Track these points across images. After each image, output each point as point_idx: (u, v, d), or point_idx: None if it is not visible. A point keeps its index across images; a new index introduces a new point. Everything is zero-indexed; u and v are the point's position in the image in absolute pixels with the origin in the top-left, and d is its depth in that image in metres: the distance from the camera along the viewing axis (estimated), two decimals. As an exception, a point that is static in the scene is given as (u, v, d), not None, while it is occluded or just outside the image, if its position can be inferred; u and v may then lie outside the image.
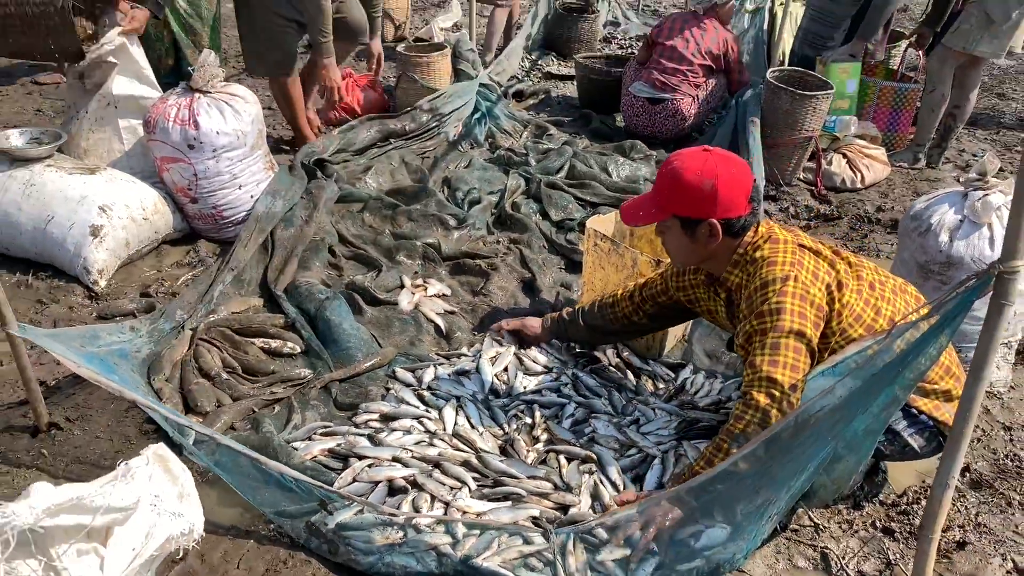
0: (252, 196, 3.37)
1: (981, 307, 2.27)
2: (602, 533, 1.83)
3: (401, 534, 1.87)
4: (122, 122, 3.42)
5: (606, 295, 2.54)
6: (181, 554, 1.17)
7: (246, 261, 3.08)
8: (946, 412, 2.05)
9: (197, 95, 3.18)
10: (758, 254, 2.03)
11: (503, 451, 2.20)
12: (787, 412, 1.79)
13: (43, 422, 2.28)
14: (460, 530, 1.87)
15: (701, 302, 2.26)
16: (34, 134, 3.29)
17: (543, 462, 2.18)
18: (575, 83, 5.51)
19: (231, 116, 3.20)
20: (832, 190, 4.27)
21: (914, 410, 2.04)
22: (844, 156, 4.36)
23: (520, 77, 5.83)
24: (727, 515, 1.81)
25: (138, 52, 3.42)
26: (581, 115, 5.07)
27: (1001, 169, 2.64)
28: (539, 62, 6.17)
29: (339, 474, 2.07)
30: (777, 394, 1.85)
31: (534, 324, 2.66)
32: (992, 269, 1.32)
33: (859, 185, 4.30)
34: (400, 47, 4.84)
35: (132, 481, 1.09)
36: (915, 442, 2.06)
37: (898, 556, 2.02)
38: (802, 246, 2.05)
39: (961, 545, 2.07)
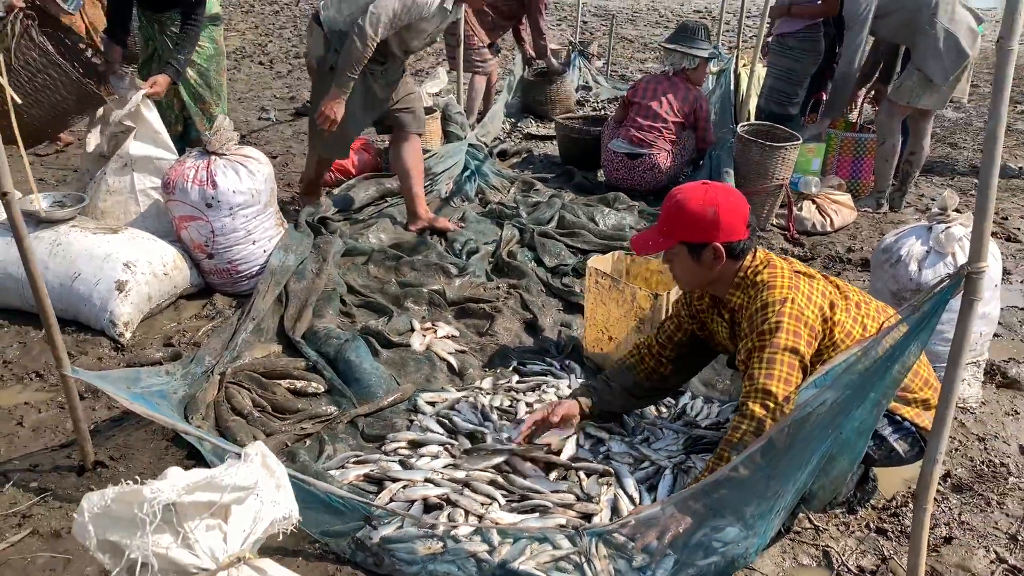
0: (265, 251, 3.56)
1: (949, 328, 2.56)
2: (622, 539, 2.01)
3: (441, 544, 2.04)
4: (138, 184, 3.62)
5: (626, 356, 2.63)
6: (280, 538, 1.33)
7: (264, 311, 3.25)
8: (926, 420, 2.27)
9: (214, 157, 3.39)
10: (758, 278, 2.26)
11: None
12: (780, 421, 1.99)
13: (89, 461, 2.42)
14: (495, 538, 2.04)
15: (707, 325, 2.47)
16: (57, 197, 3.47)
17: (564, 479, 2.35)
18: (555, 142, 5.81)
19: (246, 176, 3.41)
20: (804, 234, 4.56)
21: (898, 417, 2.26)
22: (814, 203, 4.66)
23: (503, 138, 6.12)
24: (737, 515, 2.00)
25: (154, 116, 3.64)
26: (564, 171, 5.35)
27: (957, 210, 2.92)
28: (519, 124, 6.48)
29: (376, 496, 2.24)
30: (772, 405, 2.06)
31: (572, 411, 2.53)
32: (962, 270, 1.55)
33: (829, 229, 4.59)
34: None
35: (250, 465, 1.26)
36: (900, 447, 2.27)
37: (892, 552, 2.21)
38: (797, 272, 2.28)
39: (948, 540, 2.27)
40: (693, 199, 2.26)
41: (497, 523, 2.10)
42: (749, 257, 2.31)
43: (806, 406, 1.84)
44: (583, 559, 1.98)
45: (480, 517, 2.14)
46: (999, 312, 3.04)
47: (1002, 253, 4.24)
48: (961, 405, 2.92)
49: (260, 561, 1.25)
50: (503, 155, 5.76)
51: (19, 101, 3.09)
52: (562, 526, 2.09)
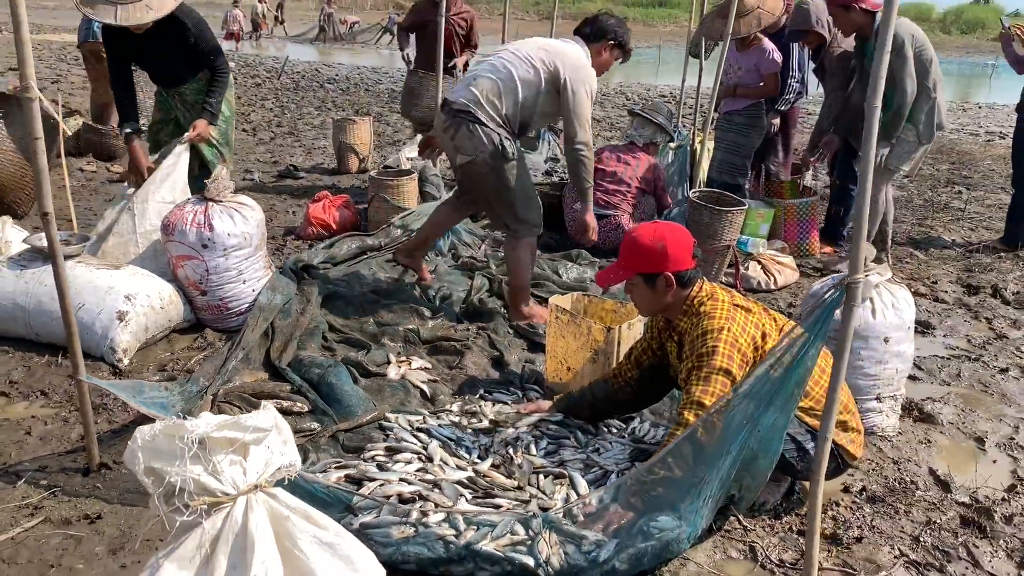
0: (254, 290, 3.87)
1: (869, 364, 2.95)
2: (571, 527, 2.31)
3: (413, 530, 2.31)
4: (140, 228, 3.94)
5: (607, 372, 3.06)
6: (286, 482, 1.62)
7: (253, 343, 3.55)
8: (843, 438, 2.62)
9: (211, 203, 3.73)
10: (702, 308, 2.62)
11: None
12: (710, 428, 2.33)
13: (95, 462, 2.68)
14: (461, 524, 2.32)
15: (664, 346, 2.82)
16: (63, 236, 3.77)
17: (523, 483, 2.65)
18: (524, 206, 6.21)
19: (240, 221, 3.74)
20: (750, 291, 4.95)
21: (818, 433, 2.60)
22: (759, 263, 5.07)
23: (475, 201, 6.52)
24: (672, 507, 2.31)
25: (185, 160, 4.01)
26: (531, 231, 5.73)
27: (875, 261, 3.32)
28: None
29: (356, 492, 2.51)
30: (703, 414, 2.39)
31: (545, 405, 3.10)
32: (843, 282, 1.91)
33: (772, 287, 4.99)
34: (372, 172, 5.50)
35: (268, 412, 1.56)
36: None
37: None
38: (736, 305, 2.64)
39: (859, 539, 2.58)
40: (645, 235, 2.64)
41: (463, 512, 2.39)
42: (697, 287, 2.68)
43: (727, 401, 2.18)
44: (535, 542, 2.27)
45: (448, 512, 2.42)
46: (913, 352, 3.40)
47: (928, 311, 4.69)
48: (880, 433, 3.27)
49: (273, 489, 1.54)
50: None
51: (69, 133, 3.46)
52: (519, 514, 2.39)
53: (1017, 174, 6.13)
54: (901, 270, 5.57)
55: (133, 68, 4.34)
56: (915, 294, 4.99)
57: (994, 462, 3.16)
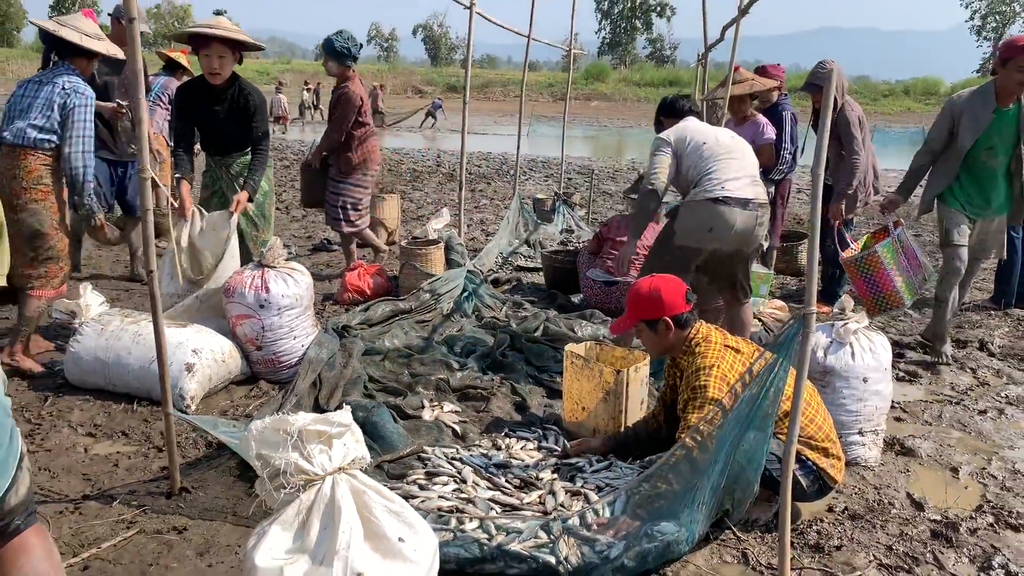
0: (303, 345, 4.35)
1: (851, 402, 3.35)
2: (585, 531, 2.72)
3: (452, 535, 2.73)
4: (200, 293, 4.45)
5: (645, 414, 3.55)
6: (362, 466, 2.05)
7: (303, 391, 4.01)
8: (825, 463, 3.03)
9: (266, 269, 4.23)
10: (697, 349, 3.08)
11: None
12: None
13: (176, 487, 3.11)
14: (493, 530, 2.74)
15: (676, 382, 3.25)
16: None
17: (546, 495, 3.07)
18: (541, 273, 6.71)
19: (292, 284, 4.24)
20: (752, 346, 5.37)
21: (803, 457, 3.00)
22: (760, 320, 5.51)
23: (495, 269, 7.03)
24: (672, 515, 2.72)
25: (235, 243, 4.56)
26: (548, 295, 6.21)
27: (853, 310, 3.76)
28: (509, 259, 7.42)
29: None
30: (699, 438, 2.82)
31: (595, 444, 3.48)
32: (799, 312, 2.35)
33: (771, 339, 5.41)
34: (403, 243, 6.03)
35: (346, 412, 2.00)
36: (804, 481, 3.00)
37: (795, 556, 2.90)
38: (727, 346, 3.09)
39: (838, 548, 2.96)
40: (643, 287, 3.12)
41: (494, 519, 2.80)
42: (694, 329, 3.14)
43: (718, 422, 2.61)
44: (556, 544, 2.67)
45: (481, 520, 2.84)
46: (891, 391, 3.80)
47: (916, 362, 5.08)
48: (863, 464, 3.65)
49: (353, 470, 1.98)
50: (496, 283, 6.64)
51: (176, 205, 4.09)
52: (542, 520, 2.80)
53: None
54: (895, 327, 5.98)
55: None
56: (907, 347, 5.42)
57: (966, 488, 3.53)
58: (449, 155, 19.72)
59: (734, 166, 4.26)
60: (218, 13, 5.91)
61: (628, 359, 3.79)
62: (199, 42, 4.61)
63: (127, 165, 5.88)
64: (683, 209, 4.30)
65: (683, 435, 2.86)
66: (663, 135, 4.40)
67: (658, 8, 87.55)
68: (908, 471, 3.66)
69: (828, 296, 6.35)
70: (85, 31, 4.28)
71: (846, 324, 3.71)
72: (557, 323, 5.27)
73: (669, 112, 4.65)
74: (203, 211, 4.67)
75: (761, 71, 7.19)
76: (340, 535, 1.83)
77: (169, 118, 7.05)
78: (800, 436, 2.98)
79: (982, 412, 4.38)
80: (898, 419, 4.26)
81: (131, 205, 5.99)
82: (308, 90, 32.43)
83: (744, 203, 4.16)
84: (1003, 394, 4.67)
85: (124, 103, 5.50)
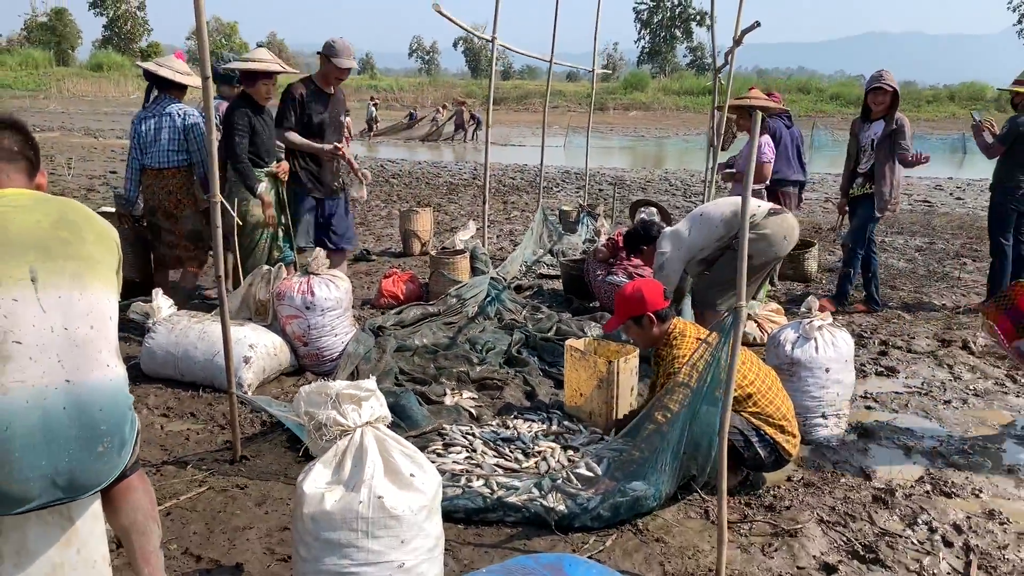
0: (342, 342, 5.00)
1: (815, 388, 3.87)
2: (570, 488, 3.32)
3: (461, 490, 3.34)
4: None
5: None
6: (385, 423, 2.67)
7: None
8: (780, 438, 3.59)
9: (311, 276, 4.90)
10: (675, 343, 3.66)
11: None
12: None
13: (237, 455, 3.77)
14: (495, 485, 3.35)
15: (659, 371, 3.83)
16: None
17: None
18: (560, 280, 7.32)
19: (333, 288, 4.91)
20: (747, 344, 5.90)
21: (762, 431, 3.57)
22: (756, 322, 6.04)
23: (519, 276, 7.65)
24: (643, 475, 3.31)
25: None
26: (565, 299, 6.81)
27: (819, 310, 4.30)
28: (532, 267, 8.03)
29: (422, 471, 3.55)
30: (669, 415, 3.40)
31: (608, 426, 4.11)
32: (733, 308, 2.92)
33: (765, 340, 5.94)
34: (432, 252, 6.69)
35: (371, 381, 2.63)
36: (762, 452, 3.57)
37: (751, 512, 3.46)
38: (698, 338, 3.66)
39: (788, 507, 3.51)
40: (626, 289, 3.72)
41: (495, 477, 3.42)
42: (672, 324, 3.72)
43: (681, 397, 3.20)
44: (545, 497, 3.28)
45: (486, 478, 3.45)
46: (852, 380, 4.33)
47: (899, 359, 5.59)
48: (826, 443, 4.19)
49: (377, 424, 2.59)
50: (518, 289, 7.26)
51: (241, 223, 4.83)
52: (535, 478, 3.40)
53: (993, 245, 7.03)
54: (886, 328, 6.48)
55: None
56: (892, 347, 5.92)
57: (913, 463, 4.06)
58: (517, 169, 20.40)
59: (752, 200, 4.87)
60: (260, 46, 6.60)
61: (620, 352, 4.37)
62: (257, 75, 5.38)
63: (334, 201, 6.22)
64: (754, 237, 4.78)
65: (658, 414, 3.43)
66: (664, 247, 5.23)
67: (698, 17, 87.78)
68: (865, 450, 4.19)
69: (839, 296, 6.87)
70: (177, 69, 5.68)
71: (811, 321, 4.27)
72: (569, 324, 5.87)
73: (646, 241, 5.51)
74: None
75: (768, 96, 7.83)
76: (367, 469, 2.45)
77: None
78: (760, 415, 3.56)
79: (947, 402, 4.88)
80: (868, 407, 4.79)
81: (337, 239, 6.31)
82: (375, 104, 34.17)
83: (784, 210, 5.06)
84: (971, 387, 5.15)
85: (338, 144, 6.03)
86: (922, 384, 5.20)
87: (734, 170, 6.98)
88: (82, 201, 10.96)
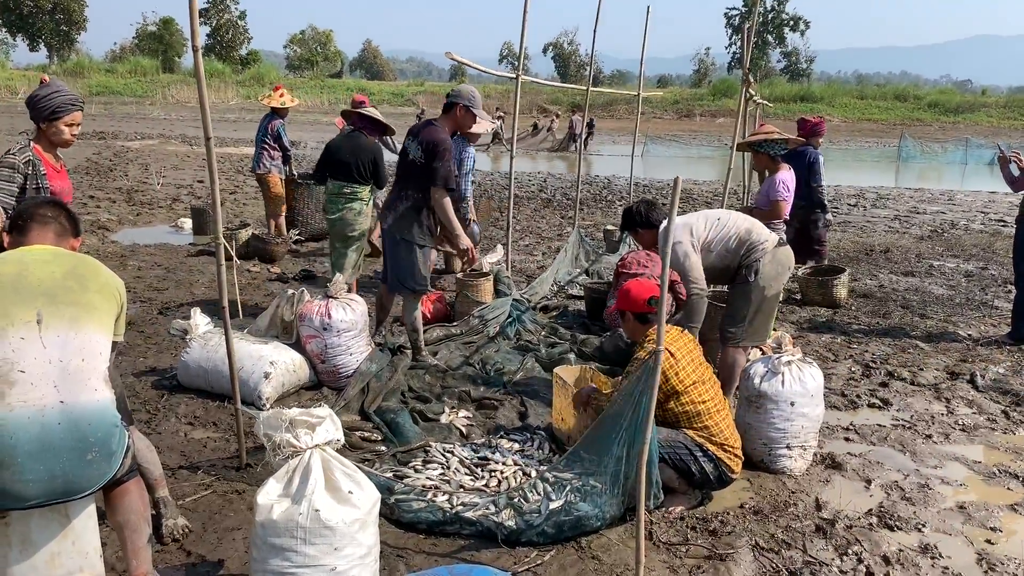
0: (357, 360, 5.47)
1: (779, 420, 4.14)
2: (524, 504, 3.68)
3: (425, 504, 3.75)
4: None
5: None
6: (336, 447, 3.10)
7: (353, 396, 5.12)
8: (722, 455, 3.92)
9: (330, 299, 5.39)
10: (646, 345, 3.99)
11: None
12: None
13: (243, 463, 4.27)
14: (456, 501, 3.75)
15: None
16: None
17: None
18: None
19: (349, 311, 5.38)
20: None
21: (705, 448, 3.88)
22: (761, 350, 6.25)
23: (549, 297, 8.01)
24: (588, 497, 3.65)
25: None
26: (583, 323, 7.14)
27: (790, 344, 4.54)
28: (565, 287, 8.38)
29: (399, 482, 3.98)
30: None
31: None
32: (655, 348, 3.24)
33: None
34: (460, 274, 7.12)
35: (325, 409, 3.06)
36: (707, 467, 3.88)
37: (693, 535, 3.75)
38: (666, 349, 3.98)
39: (729, 533, 3.79)
40: (625, 285, 4.19)
41: (456, 494, 3.81)
42: (652, 327, 4.05)
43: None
44: (499, 514, 3.65)
45: (450, 495, 3.85)
46: (820, 414, 4.54)
47: (897, 392, 5.73)
48: (789, 474, 4.43)
49: (326, 447, 3.02)
50: (545, 309, 7.62)
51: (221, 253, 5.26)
52: (492, 497, 3.78)
53: (1018, 276, 7.05)
54: (898, 358, 6.59)
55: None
56: (896, 379, 6.06)
57: (871, 496, 4.26)
58: (556, 178, 20.76)
59: (762, 227, 5.16)
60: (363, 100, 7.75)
61: (608, 384, 4.70)
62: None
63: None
64: (767, 263, 4.95)
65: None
66: (679, 238, 4.92)
67: (791, 22, 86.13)
68: (827, 481, 4.41)
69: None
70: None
71: (780, 357, 4.52)
72: (582, 348, 6.20)
73: (647, 225, 5.54)
74: None
75: (801, 123, 8.08)
76: (309, 485, 2.88)
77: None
78: (702, 433, 3.91)
79: (927, 437, 5.03)
80: (847, 439, 4.98)
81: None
82: (500, 118, 33.96)
83: (785, 243, 5.17)
84: (960, 422, 5.27)
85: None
86: (911, 417, 5.34)
87: (753, 205, 7.18)
88: (166, 212, 12.01)
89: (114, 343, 2.98)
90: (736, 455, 3.96)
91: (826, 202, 8.58)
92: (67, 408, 2.67)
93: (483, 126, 6.32)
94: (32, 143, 4.18)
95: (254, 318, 6.03)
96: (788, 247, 5.22)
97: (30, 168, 4.09)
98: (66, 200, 4.18)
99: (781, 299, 7.47)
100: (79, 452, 2.68)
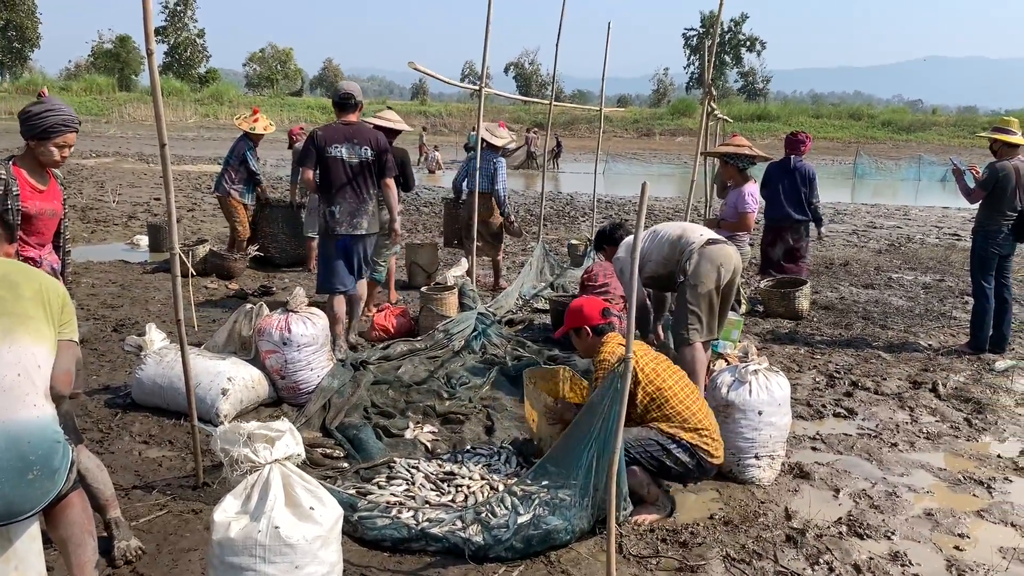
0: (318, 376, 5.34)
1: (747, 430, 4.10)
2: (491, 519, 3.59)
3: (390, 520, 3.64)
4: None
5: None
6: (297, 462, 2.99)
7: (314, 412, 4.99)
8: (699, 441, 3.89)
9: (290, 313, 5.26)
10: (602, 349, 3.95)
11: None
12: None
13: (200, 481, 4.12)
14: (420, 517, 3.64)
15: None
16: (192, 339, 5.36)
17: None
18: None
19: (310, 325, 5.26)
20: (716, 383, 6.10)
21: (679, 438, 3.84)
22: (726, 361, 6.24)
23: (514, 311, 7.94)
24: (558, 510, 3.57)
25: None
26: (545, 339, 7.07)
27: (757, 354, 4.52)
28: (530, 301, 8.32)
29: (363, 498, 3.86)
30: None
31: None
32: (624, 357, 3.18)
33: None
34: (424, 289, 7.03)
35: (284, 423, 2.95)
36: (682, 457, 3.84)
37: (664, 547, 3.69)
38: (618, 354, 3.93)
39: (700, 544, 3.73)
40: (573, 305, 4.12)
41: (423, 510, 3.71)
42: (608, 337, 4.00)
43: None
44: (466, 529, 3.55)
45: (415, 511, 3.75)
46: (787, 423, 4.52)
47: (862, 401, 5.74)
48: (758, 483, 4.39)
49: (285, 462, 2.91)
50: (511, 323, 7.55)
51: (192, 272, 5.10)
52: (458, 513, 3.68)
53: (975, 287, 7.13)
54: (861, 368, 6.62)
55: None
56: (860, 388, 6.08)
57: (839, 504, 4.24)
58: (518, 195, 20.73)
59: (696, 228, 5.26)
60: (389, 108, 7.54)
61: (580, 388, 4.65)
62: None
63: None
64: (695, 262, 5.06)
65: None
66: (620, 253, 5.48)
67: (748, 43, 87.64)
68: (796, 491, 4.38)
69: None
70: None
71: (748, 366, 4.49)
72: (552, 361, 6.13)
73: (610, 242, 5.94)
74: None
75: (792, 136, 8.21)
76: (268, 502, 2.77)
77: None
78: (675, 421, 3.90)
79: (893, 445, 5.04)
80: (814, 448, 4.97)
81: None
82: (534, 135, 34.38)
83: (724, 240, 5.22)
84: (925, 431, 5.29)
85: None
86: (876, 426, 5.35)
87: (720, 217, 7.19)
88: (122, 229, 11.71)
89: (70, 341, 2.84)
90: (713, 437, 3.93)
91: (822, 216, 8.88)
92: (4, 426, 2.53)
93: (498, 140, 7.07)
94: (13, 160, 3.98)
95: (211, 334, 5.88)
96: (724, 245, 5.20)
97: (1, 187, 3.87)
98: (45, 222, 4.00)
99: (744, 311, 7.51)
100: (19, 471, 2.54)
